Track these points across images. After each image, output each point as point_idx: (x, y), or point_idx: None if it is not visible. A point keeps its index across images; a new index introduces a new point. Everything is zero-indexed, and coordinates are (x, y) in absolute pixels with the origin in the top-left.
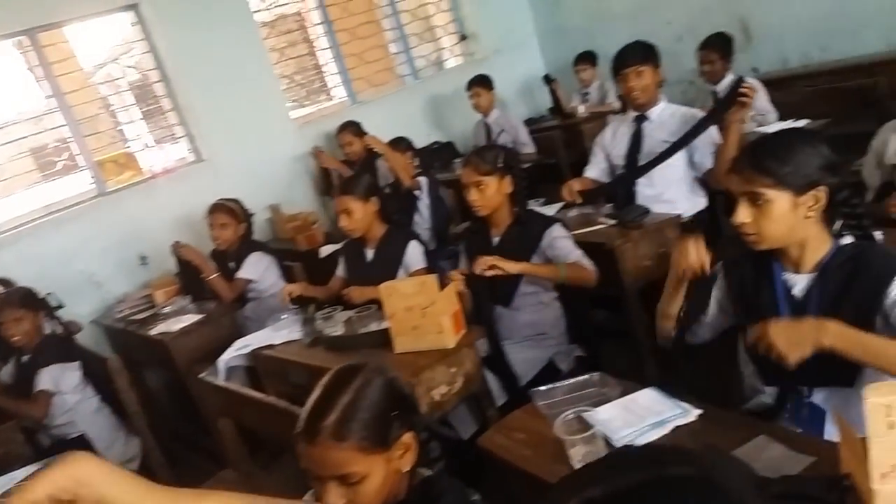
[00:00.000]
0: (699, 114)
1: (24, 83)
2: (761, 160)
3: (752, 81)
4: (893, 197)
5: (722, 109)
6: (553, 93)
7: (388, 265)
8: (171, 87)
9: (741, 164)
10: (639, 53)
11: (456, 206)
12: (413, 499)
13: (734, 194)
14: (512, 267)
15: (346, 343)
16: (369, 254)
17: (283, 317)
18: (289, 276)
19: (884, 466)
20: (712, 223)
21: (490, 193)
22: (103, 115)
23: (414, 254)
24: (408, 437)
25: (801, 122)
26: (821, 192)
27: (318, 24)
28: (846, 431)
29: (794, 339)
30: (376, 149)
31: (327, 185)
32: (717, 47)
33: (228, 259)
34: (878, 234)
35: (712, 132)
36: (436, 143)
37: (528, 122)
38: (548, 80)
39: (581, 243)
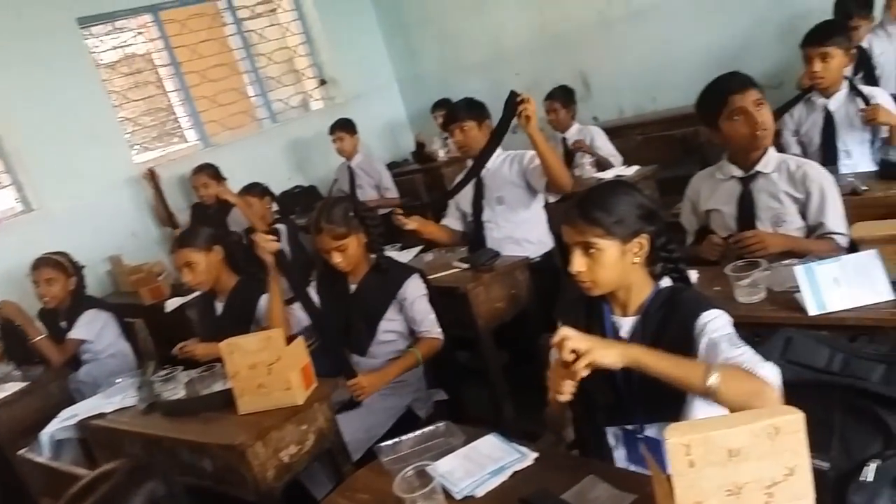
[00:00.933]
0: (528, 153)
1: None
2: (590, 212)
3: (593, 128)
4: (706, 241)
5: (502, 128)
6: (420, 151)
7: (240, 318)
8: None
9: (572, 217)
10: (462, 110)
11: (318, 252)
12: None
13: (568, 244)
14: (378, 383)
15: (185, 407)
16: (219, 307)
17: (117, 381)
18: (130, 333)
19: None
20: (565, 263)
21: (352, 251)
22: None
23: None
24: None
25: (633, 169)
26: (644, 239)
27: (166, 65)
28: (655, 469)
29: (600, 344)
30: (228, 199)
31: (167, 215)
32: (560, 98)
33: (59, 318)
34: (694, 274)
35: (530, 155)
36: (297, 186)
37: (391, 166)
38: (420, 145)
39: (436, 287)
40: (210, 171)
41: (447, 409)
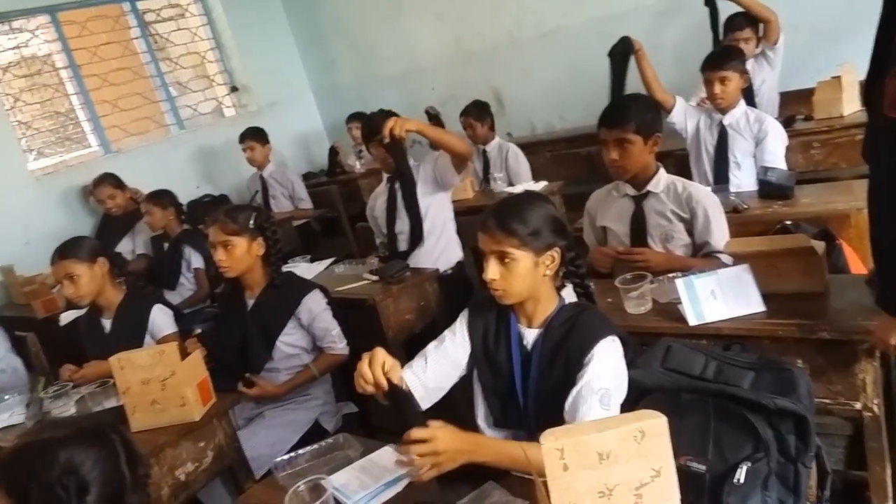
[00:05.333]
0: (430, 154)
1: None
2: (507, 223)
3: (512, 146)
4: (596, 251)
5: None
6: (333, 159)
7: (131, 335)
8: None
9: (489, 226)
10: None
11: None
12: None
13: (483, 252)
14: (269, 392)
15: None
16: (107, 324)
17: (5, 397)
18: (21, 347)
19: None
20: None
21: (238, 254)
22: None
23: (160, 319)
24: None
25: (541, 184)
26: (556, 253)
27: (63, 67)
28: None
29: (449, 457)
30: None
31: None
32: (473, 114)
33: None
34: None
35: (435, 154)
36: (207, 195)
37: (307, 177)
38: (333, 151)
39: (345, 300)
40: (112, 181)
41: (357, 422)
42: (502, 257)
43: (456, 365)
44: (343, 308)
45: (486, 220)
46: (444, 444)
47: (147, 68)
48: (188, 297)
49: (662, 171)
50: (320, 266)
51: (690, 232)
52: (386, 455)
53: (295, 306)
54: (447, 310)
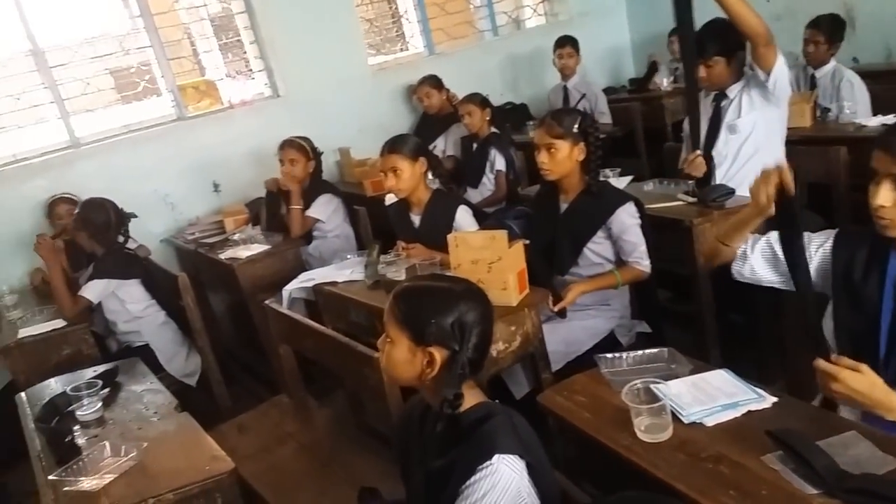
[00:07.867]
0: (781, 93)
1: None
2: None
3: (850, 74)
4: None
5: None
6: (649, 74)
7: (438, 232)
8: (254, 19)
9: (893, 144)
10: (712, 46)
11: (525, 168)
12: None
13: (876, 173)
14: (572, 297)
15: None
16: (416, 220)
17: (347, 256)
18: (353, 219)
19: None
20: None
21: (560, 158)
22: (184, 42)
23: (464, 219)
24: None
25: None
26: None
27: None
28: None
29: (858, 397)
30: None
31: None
32: (826, 30)
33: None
34: None
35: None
36: (508, 103)
37: (607, 91)
38: (653, 66)
39: (656, 218)
40: (432, 82)
41: (648, 343)
42: None
43: (782, 272)
44: (652, 226)
45: (889, 137)
46: (849, 384)
47: None
48: (486, 197)
49: None
50: (624, 181)
51: None
52: (720, 378)
53: (608, 216)
54: None
